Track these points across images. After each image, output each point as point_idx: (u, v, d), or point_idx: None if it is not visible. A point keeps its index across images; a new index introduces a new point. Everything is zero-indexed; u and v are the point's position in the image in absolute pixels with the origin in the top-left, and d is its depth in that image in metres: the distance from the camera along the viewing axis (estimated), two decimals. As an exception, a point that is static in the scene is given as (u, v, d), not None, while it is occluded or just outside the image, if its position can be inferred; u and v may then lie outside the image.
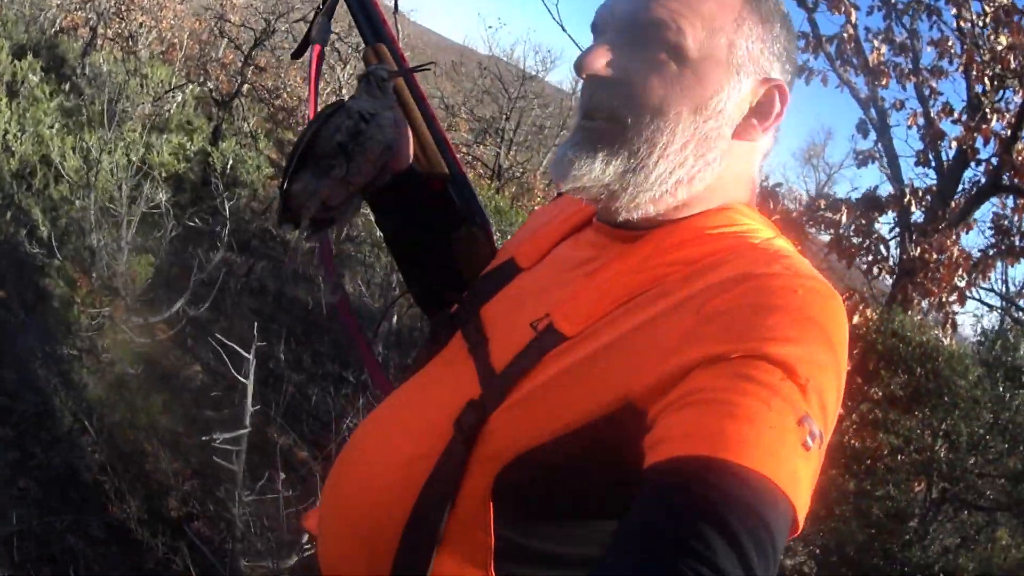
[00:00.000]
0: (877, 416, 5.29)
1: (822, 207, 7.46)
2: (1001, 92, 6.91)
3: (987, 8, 6.38)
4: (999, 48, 6.21)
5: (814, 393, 0.79)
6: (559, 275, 1.10)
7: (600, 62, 1.02)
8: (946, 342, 6.90)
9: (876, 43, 7.32)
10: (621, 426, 0.86)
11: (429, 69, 1.43)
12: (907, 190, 7.20)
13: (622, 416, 0.86)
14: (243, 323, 6.37)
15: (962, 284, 7.03)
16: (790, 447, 0.76)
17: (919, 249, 6.87)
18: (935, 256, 6.80)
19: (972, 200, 7.21)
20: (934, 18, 7.37)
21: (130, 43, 13.27)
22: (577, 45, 6.46)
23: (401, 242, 1.40)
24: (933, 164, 7.79)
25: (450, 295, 1.26)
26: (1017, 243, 7.37)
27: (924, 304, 7.16)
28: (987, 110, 6.94)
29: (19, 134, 7.61)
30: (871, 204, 7.52)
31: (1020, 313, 9.20)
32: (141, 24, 13.55)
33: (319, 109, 1.25)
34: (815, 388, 0.80)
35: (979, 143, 6.98)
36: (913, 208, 7.21)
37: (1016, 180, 6.56)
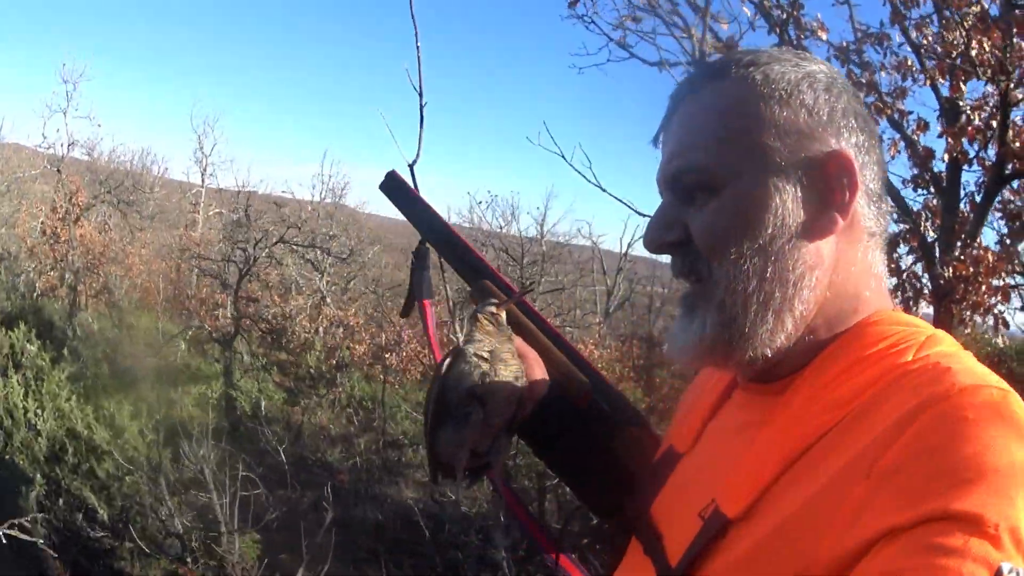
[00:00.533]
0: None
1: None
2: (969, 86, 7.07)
3: (960, 19, 6.53)
4: (974, 52, 6.35)
5: (1006, 533, 0.72)
6: (717, 451, 1.06)
7: (656, 232, 1.01)
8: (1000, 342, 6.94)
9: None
10: None
11: (532, 291, 1.41)
12: (920, 218, 7.20)
13: None
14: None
15: (1002, 283, 7.11)
16: None
17: (950, 269, 6.90)
18: (970, 269, 6.82)
19: (984, 201, 7.29)
20: (886, 44, 7.56)
21: (108, 295, 13.40)
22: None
23: (565, 466, 1.35)
24: (929, 181, 7.95)
25: (626, 500, 1.20)
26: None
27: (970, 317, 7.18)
28: (967, 112, 7.12)
29: (39, 411, 7.56)
30: (890, 244, 7.59)
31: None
32: (114, 274, 13.74)
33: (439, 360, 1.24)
34: (1007, 527, 0.72)
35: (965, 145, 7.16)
36: (928, 231, 7.20)
37: (1018, 165, 6.65)
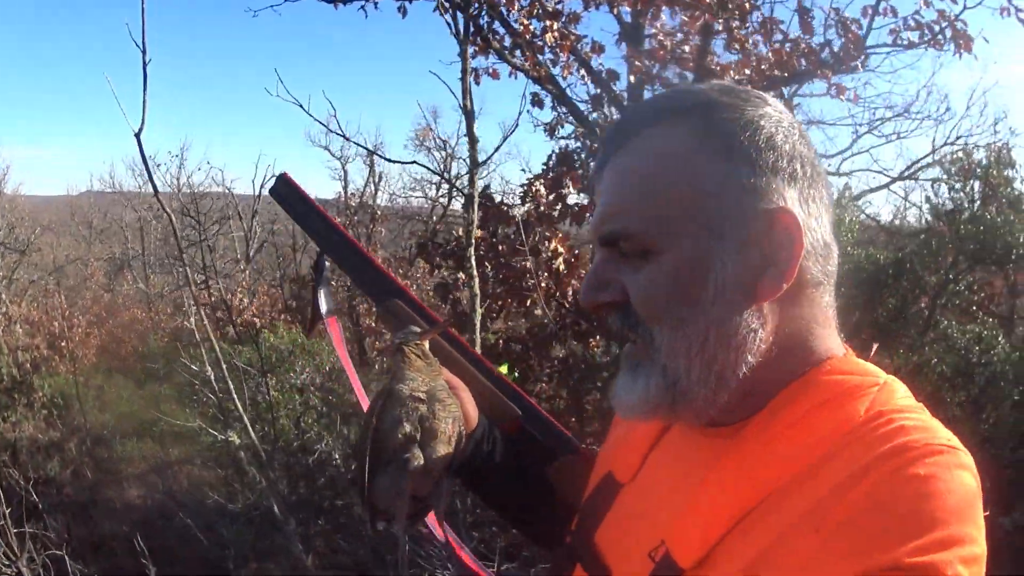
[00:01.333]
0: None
1: (527, 191, 7.97)
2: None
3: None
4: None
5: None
6: (663, 487, 1.04)
7: (591, 293, 0.99)
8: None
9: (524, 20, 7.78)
10: None
11: (451, 323, 1.32)
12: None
13: None
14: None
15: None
16: None
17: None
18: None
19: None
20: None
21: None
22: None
23: (499, 498, 1.34)
24: (610, 101, 8.55)
25: (565, 529, 1.18)
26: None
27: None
28: (659, 37, 7.77)
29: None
30: (565, 160, 8.14)
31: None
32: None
33: (368, 401, 1.20)
34: (956, 574, 0.75)
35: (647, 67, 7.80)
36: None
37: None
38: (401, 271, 16.61)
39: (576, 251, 7.51)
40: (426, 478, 1.14)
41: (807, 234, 0.91)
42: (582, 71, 8.25)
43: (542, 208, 7.17)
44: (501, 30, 7.37)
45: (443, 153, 22.30)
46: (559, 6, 7.54)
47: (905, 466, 0.80)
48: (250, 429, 5.72)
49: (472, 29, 7.03)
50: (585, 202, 7.79)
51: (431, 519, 1.28)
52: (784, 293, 0.91)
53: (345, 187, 20.10)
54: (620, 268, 0.96)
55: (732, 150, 0.91)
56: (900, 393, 0.92)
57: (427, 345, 1.20)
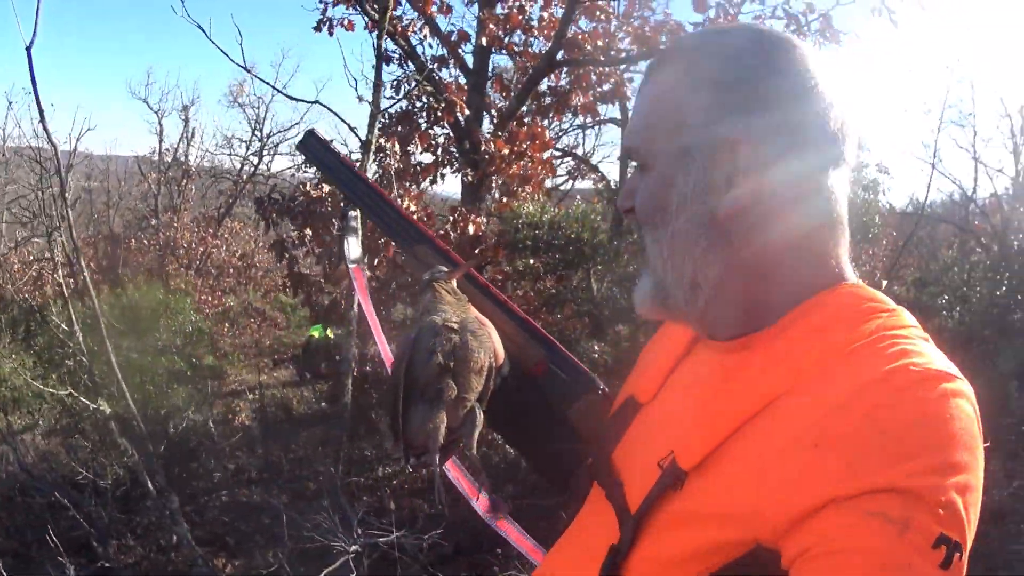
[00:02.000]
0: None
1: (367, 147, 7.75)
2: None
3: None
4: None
5: (946, 507, 0.77)
6: (677, 403, 1.09)
7: (620, 199, 1.10)
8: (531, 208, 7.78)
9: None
10: (756, 568, 0.84)
11: (486, 258, 1.41)
12: (454, 95, 7.60)
13: (755, 558, 0.84)
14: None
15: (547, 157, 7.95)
16: None
17: (493, 145, 7.49)
18: (506, 149, 7.47)
19: (528, 84, 7.95)
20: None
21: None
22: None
23: (523, 438, 1.37)
24: (453, 65, 8.44)
25: (584, 468, 1.21)
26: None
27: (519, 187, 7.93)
28: (518, 3, 7.70)
29: None
30: (428, 122, 8.00)
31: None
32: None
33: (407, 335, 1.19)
34: (947, 502, 0.77)
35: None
36: (464, 110, 7.63)
37: (567, 55, 7.39)
38: (211, 230, 15.98)
39: (429, 209, 7.37)
40: (458, 409, 1.14)
41: (761, 161, 0.96)
42: (424, 31, 8.14)
43: (395, 166, 6.97)
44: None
45: (256, 111, 21.60)
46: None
47: (905, 388, 0.82)
48: (129, 398, 5.29)
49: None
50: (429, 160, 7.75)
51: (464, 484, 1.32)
52: (761, 218, 0.97)
53: (160, 142, 18.95)
54: (639, 179, 1.05)
55: (702, 84, 0.97)
56: (907, 320, 0.95)
57: (455, 283, 1.23)
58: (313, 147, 1.45)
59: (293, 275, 7.51)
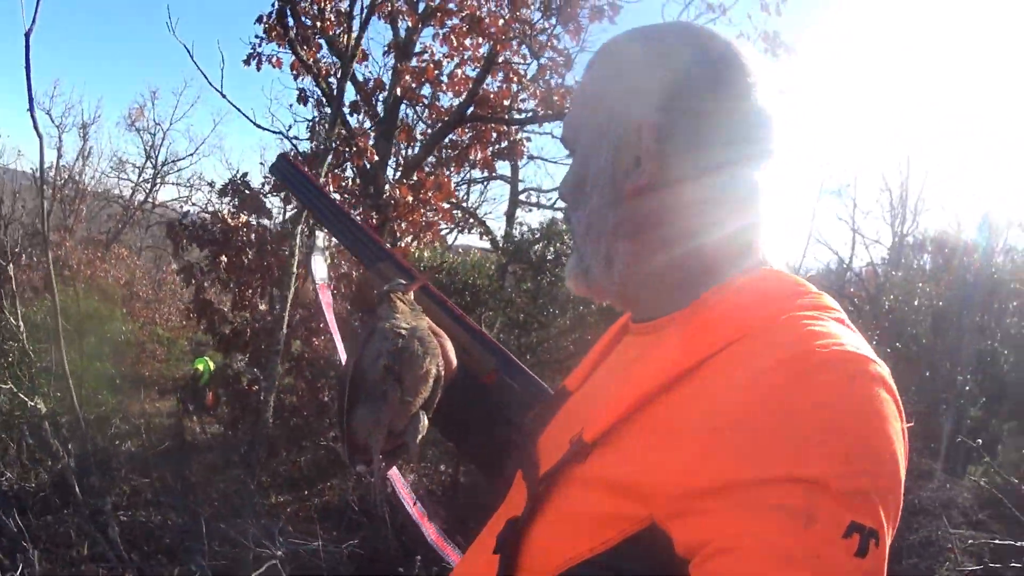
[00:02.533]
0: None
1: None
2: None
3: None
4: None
5: (856, 494, 0.74)
6: (599, 387, 1.12)
7: (559, 188, 1.15)
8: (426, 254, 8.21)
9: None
10: (650, 548, 0.82)
11: (442, 271, 1.60)
12: (364, 142, 7.97)
13: (650, 537, 0.82)
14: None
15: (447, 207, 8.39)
16: (840, 568, 0.72)
17: (397, 191, 7.89)
18: (408, 195, 7.88)
19: (436, 136, 8.41)
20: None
21: None
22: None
23: (474, 447, 1.40)
24: (364, 112, 8.81)
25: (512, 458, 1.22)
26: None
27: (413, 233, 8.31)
28: (436, 58, 8.16)
29: None
30: (337, 165, 8.34)
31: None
32: None
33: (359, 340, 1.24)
34: (856, 488, 0.74)
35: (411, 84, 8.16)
36: (372, 155, 8.03)
37: (478, 111, 7.91)
38: (99, 253, 15.74)
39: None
40: (403, 412, 1.17)
41: (681, 149, 0.99)
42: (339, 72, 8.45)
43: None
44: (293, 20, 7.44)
45: (152, 136, 21.40)
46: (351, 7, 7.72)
47: (811, 370, 0.80)
48: (76, 397, 5.30)
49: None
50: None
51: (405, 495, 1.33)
52: (671, 199, 1.00)
53: (59, 158, 18.46)
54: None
55: (623, 77, 1.04)
56: (827, 302, 0.94)
57: (412, 295, 1.27)
58: (284, 169, 1.52)
59: (199, 301, 7.65)
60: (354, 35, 7.22)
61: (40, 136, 4.64)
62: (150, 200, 20.62)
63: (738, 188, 1.01)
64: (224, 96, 6.35)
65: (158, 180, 21.24)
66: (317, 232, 1.57)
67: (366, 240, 1.47)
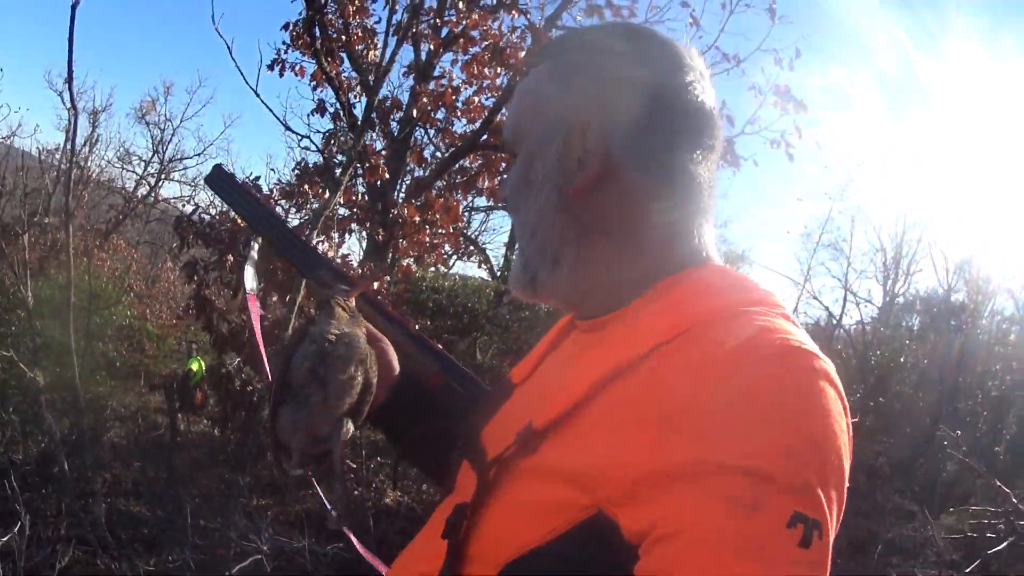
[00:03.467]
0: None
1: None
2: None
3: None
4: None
5: (800, 486, 0.75)
6: (545, 380, 1.13)
7: (501, 190, 1.16)
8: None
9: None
10: (599, 534, 0.82)
11: (378, 279, 1.61)
12: (376, 160, 8.10)
13: (598, 525, 0.82)
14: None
15: (453, 230, 8.52)
16: (784, 558, 0.73)
17: (405, 210, 8.01)
18: (416, 215, 8.05)
19: (449, 160, 8.55)
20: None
21: None
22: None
23: (420, 450, 1.39)
24: (378, 130, 8.94)
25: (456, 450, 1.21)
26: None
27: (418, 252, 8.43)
28: (454, 82, 8.36)
29: None
30: (324, 172, 8.50)
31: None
32: None
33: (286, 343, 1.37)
34: (801, 480, 0.75)
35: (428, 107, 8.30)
36: (384, 174, 8.15)
37: (491, 139, 8.07)
38: (98, 242, 15.79)
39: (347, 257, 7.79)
40: (326, 416, 1.18)
41: (624, 147, 1.00)
42: (357, 89, 8.60)
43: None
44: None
45: (161, 131, 21.54)
46: (376, 25, 7.89)
47: (757, 362, 0.81)
48: (77, 375, 5.32)
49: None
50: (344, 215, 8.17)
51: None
52: (614, 197, 1.01)
53: (69, 141, 18.42)
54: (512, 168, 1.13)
55: (567, 78, 1.04)
56: (774, 299, 0.94)
57: (353, 302, 1.28)
58: (219, 180, 1.51)
59: (199, 298, 7.76)
60: (378, 51, 7.37)
61: (76, 111, 4.86)
62: (152, 195, 20.79)
63: (682, 184, 1.02)
64: (259, 96, 6.37)
65: (163, 176, 21.44)
66: (252, 242, 1.61)
67: (303, 248, 1.48)
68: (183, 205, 21.64)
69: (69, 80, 4.55)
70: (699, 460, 0.76)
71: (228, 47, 5.69)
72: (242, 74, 5.79)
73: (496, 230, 20.52)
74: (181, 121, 22.60)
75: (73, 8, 4.03)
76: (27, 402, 6.55)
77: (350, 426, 1.21)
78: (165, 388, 11.76)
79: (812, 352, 0.84)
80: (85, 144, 18.94)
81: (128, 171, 22.19)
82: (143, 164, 22.06)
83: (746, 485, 0.74)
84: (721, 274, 1.01)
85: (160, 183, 21.77)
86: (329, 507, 1.36)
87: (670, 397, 0.81)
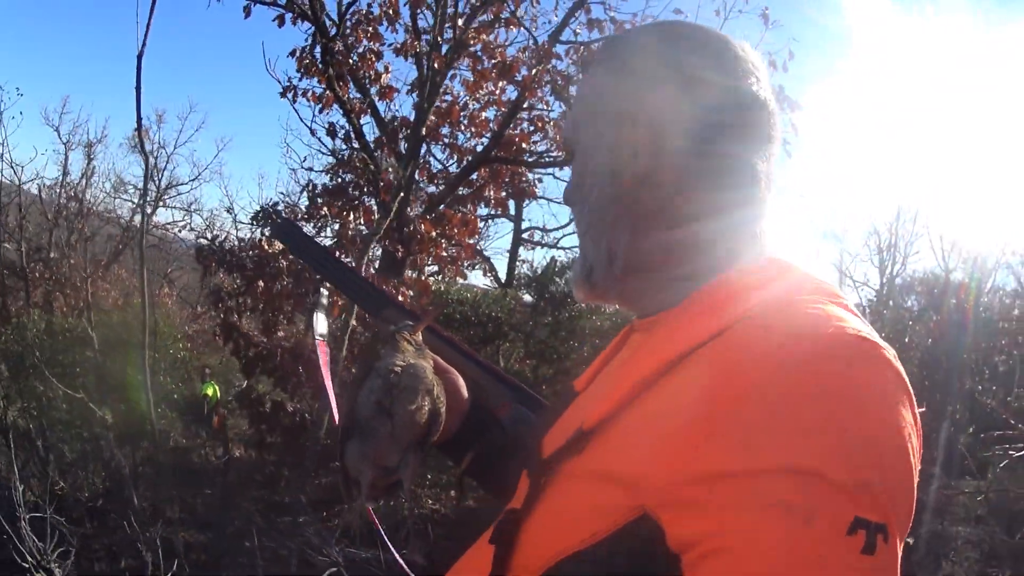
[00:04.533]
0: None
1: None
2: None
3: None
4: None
5: (861, 486, 0.70)
6: (601, 384, 1.11)
7: (565, 191, 1.14)
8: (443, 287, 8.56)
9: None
10: (643, 539, 0.79)
11: (442, 312, 1.66)
12: (393, 176, 8.27)
13: (643, 528, 0.79)
14: None
15: (467, 244, 8.70)
16: (845, 568, 0.68)
17: (423, 225, 8.17)
18: (434, 231, 8.20)
19: (462, 174, 8.72)
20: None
21: None
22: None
23: (493, 478, 1.34)
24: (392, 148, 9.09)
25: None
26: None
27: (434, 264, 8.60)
28: (464, 98, 8.53)
29: None
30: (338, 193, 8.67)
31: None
32: None
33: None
34: (861, 480, 0.70)
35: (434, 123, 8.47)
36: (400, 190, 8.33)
37: (500, 153, 8.26)
38: (99, 273, 15.89)
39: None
40: (394, 447, 1.17)
41: (678, 137, 0.98)
42: (366, 109, 8.73)
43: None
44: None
45: (153, 158, 21.60)
46: (381, 48, 8.05)
47: (811, 354, 0.77)
48: (152, 410, 5.39)
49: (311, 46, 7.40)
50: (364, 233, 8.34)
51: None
52: (667, 191, 0.99)
53: (64, 175, 18.67)
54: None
55: (620, 75, 1.04)
56: (831, 288, 0.92)
57: (420, 336, 1.27)
58: (283, 230, 1.55)
59: (226, 324, 7.89)
60: (390, 74, 7.57)
61: (147, 157, 4.90)
62: (150, 223, 20.72)
63: (737, 178, 1.00)
64: (303, 121, 6.55)
65: (159, 203, 21.55)
66: (321, 288, 1.67)
67: (369, 289, 1.49)
68: (178, 231, 21.95)
69: (138, 128, 4.74)
70: (746, 461, 0.72)
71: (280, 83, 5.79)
72: (295, 110, 5.88)
73: (491, 237, 20.74)
74: (175, 147, 22.81)
75: (139, 58, 4.19)
76: (92, 439, 6.65)
77: (418, 456, 1.21)
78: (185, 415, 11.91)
79: (870, 339, 0.80)
80: (82, 177, 19.05)
81: (125, 199, 22.34)
82: (138, 192, 21.95)
83: (797, 487, 0.69)
84: (779, 268, 0.97)
85: (154, 211, 21.80)
86: (392, 549, 1.38)
87: (717, 394, 0.78)
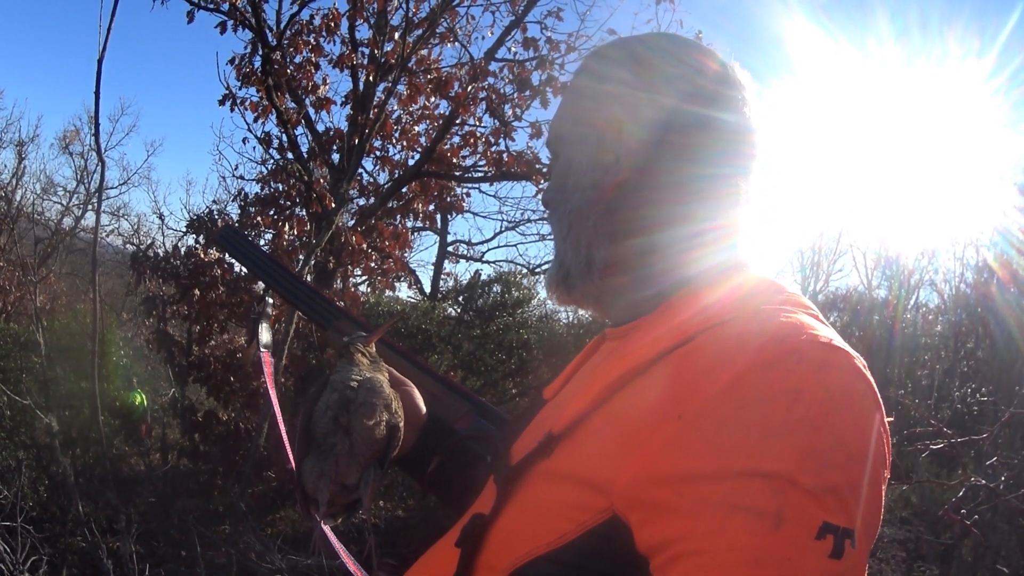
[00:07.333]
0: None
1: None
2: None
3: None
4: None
5: (829, 491, 0.70)
6: (571, 391, 1.10)
7: (543, 195, 1.14)
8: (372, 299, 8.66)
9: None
10: (613, 541, 0.80)
11: (398, 323, 1.66)
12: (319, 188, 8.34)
13: (613, 530, 0.80)
14: None
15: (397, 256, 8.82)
16: (814, 572, 0.68)
17: (353, 237, 8.26)
18: (364, 243, 8.33)
19: (393, 187, 8.83)
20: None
21: None
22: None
23: (454, 493, 1.33)
24: (321, 160, 9.15)
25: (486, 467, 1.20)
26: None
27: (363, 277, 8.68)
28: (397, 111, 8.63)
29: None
30: (269, 203, 8.79)
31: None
32: None
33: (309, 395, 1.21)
34: (829, 485, 0.70)
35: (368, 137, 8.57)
36: (330, 203, 8.40)
37: (432, 167, 8.43)
38: (30, 277, 15.56)
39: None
40: (353, 464, 1.14)
41: (659, 146, 1.00)
42: (300, 120, 8.79)
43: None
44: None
45: (85, 161, 21.25)
46: (319, 60, 8.12)
47: (779, 360, 0.77)
48: (100, 419, 5.42)
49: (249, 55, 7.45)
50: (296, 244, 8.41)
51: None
52: (647, 198, 1.01)
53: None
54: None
55: (605, 84, 1.05)
56: (801, 300, 0.91)
57: (374, 348, 1.25)
58: (228, 239, 1.54)
59: (160, 332, 7.93)
60: (328, 86, 7.63)
61: (103, 162, 4.89)
62: (79, 227, 20.50)
63: (720, 192, 1.02)
64: (239, 127, 6.59)
65: (87, 207, 21.17)
66: (267, 298, 1.90)
67: (320, 301, 1.49)
68: (105, 235, 21.53)
69: (96, 133, 4.74)
70: (715, 464, 0.72)
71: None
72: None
73: (416, 249, 20.89)
74: (105, 150, 22.36)
75: (99, 63, 4.19)
76: (36, 445, 6.58)
77: (378, 473, 1.18)
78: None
79: (841, 348, 0.80)
80: (12, 178, 18.69)
81: (49, 200, 21.86)
82: (68, 195, 21.76)
83: (766, 490, 0.70)
84: (751, 279, 0.98)
85: (84, 215, 21.39)
86: (349, 560, 1.36)
87: (686, 397, 0.78)
